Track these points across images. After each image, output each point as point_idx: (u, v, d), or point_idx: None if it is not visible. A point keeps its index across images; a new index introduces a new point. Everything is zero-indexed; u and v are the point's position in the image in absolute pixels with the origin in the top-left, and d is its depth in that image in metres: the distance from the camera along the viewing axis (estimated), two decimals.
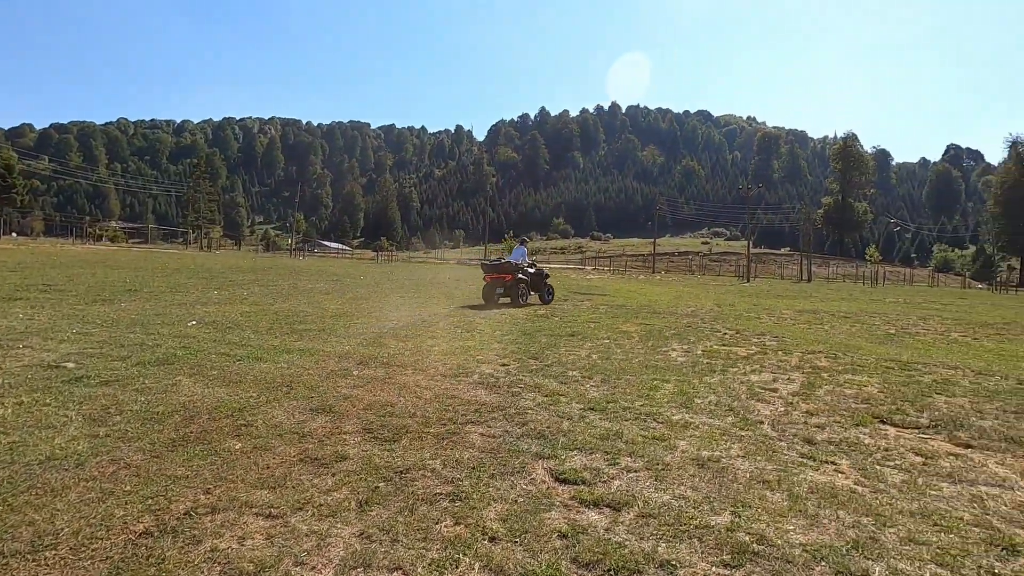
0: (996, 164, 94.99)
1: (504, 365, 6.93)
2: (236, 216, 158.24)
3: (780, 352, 8.43)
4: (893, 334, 11.59)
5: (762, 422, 4.94)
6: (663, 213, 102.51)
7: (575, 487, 3.49)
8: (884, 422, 5.10)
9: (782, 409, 5.34)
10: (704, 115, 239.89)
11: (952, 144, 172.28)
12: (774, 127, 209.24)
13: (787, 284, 42.56)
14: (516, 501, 3.30)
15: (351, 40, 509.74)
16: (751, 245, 53.43)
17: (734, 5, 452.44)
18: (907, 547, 2.87)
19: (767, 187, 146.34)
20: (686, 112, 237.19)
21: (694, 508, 3.23)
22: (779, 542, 2.86)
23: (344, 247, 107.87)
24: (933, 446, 4.46)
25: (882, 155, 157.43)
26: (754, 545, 2.83)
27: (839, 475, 3.83)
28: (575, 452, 4.06)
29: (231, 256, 50.49)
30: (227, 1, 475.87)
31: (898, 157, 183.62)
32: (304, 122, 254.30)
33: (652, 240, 65.11)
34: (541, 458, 3.94)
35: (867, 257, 64.94)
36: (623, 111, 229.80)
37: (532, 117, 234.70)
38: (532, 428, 4.54)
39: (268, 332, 8.91)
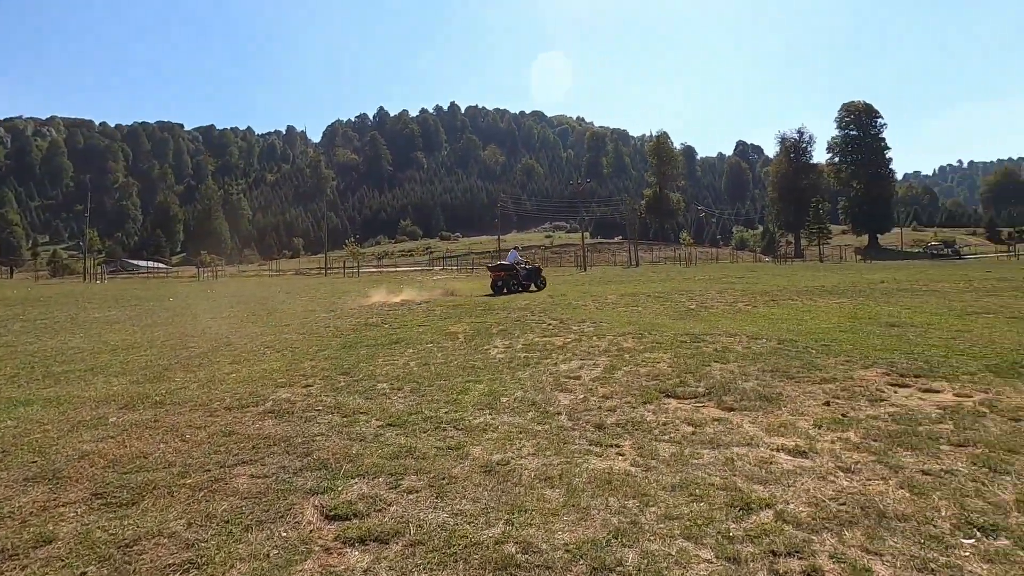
0: (772, 157, 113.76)
1: (307, 386, 6.30)
2: (10, 237, 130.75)
3: (594, 338, 8.88)
4: (693, 309, 12.99)
5: (560, 413, 5.01)
6: (507, 210, 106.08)
7: (344, 523, 3.12)
8: (669, 396, 5.50)
9: (581, 396, 5.51)
10: (539, 116, 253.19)
11: (740, 140, 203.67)
12: (600, 127, 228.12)
13: (618, 270, 46.46)
14: (268, 556, 2.83)
15: (154, 27, 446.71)
16: (588, 236, 57.35)
17: (561, 14, 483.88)
18: (662, 525, 2.97)
19: (599, 182, 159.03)
20: (522, 113, 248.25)
21: (468, 524, 3.05)
22: (544, 547, 2.78)
23: (160, 265, 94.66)
24: (703, 414, 4.87)
25: (689, 151, 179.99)
26: (519, 556, 2.71)
27: (619, 458, 3.96)
28: (357, 480, 3.69)
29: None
30: None
31: (701, 152, 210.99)
32: (98, 123, 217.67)
33: (498, 237, 66.96)
34: (315, 494, 3.50)
35: (681, 241, 73.77)
36: (462, 111, 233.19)
37: (371, 117, 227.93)
38: (315, 459, 4.07)
39: (10, 382, 7.18)
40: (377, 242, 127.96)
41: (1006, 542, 2.69)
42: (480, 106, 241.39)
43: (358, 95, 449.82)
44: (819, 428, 4.39)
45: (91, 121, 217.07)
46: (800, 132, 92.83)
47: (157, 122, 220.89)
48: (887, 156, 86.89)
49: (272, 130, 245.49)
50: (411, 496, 3.43)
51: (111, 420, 5.23)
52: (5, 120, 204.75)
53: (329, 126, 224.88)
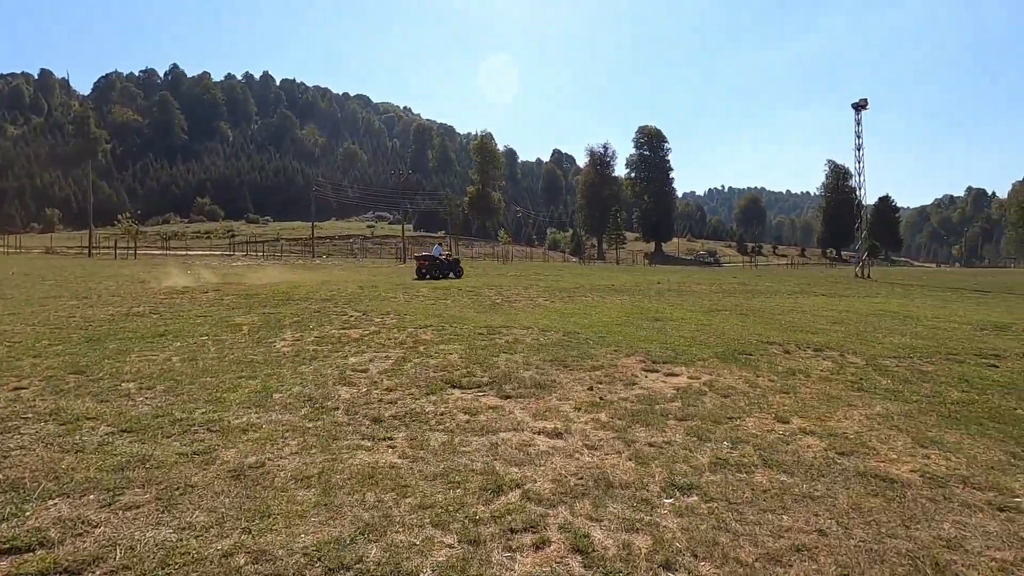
0: (582, 166, 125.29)
1: (17, 389, 5.08)
2: None
3: (394, 330, 8.72)
4: (499, 303, 13.60)
5: (338, 408, 4.78)
6: (325, 196, 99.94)
7: (20, 558, 2.52)
8: (454, 386, 5.60)
9: (364, 390, 5.33)
10: (364, 100, 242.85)
11: (556, 149, 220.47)
12: (428, 119, 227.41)
13: None
14: None
15: None
16: (412, 228, 56.68)
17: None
18: (414, 515, 2.96)
19: (424, 175, 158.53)
20: (345, 95, 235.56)
21: (196, 538, 2.69)
22: (280, 553, 2.57)
23: None
24: (482, 402, 5.05)
25: (511, 153, 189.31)
26: (247, 567, 2.47)
27: (389, 451, 3.89)
28: (57, 501, 3.03)
29: None
30: None
31: (522, 156, 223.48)
32: None
33: (312, 224, 62.62)
34: None
35: (500, 239, 77.30)
36: (278, 84, 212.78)
37: (161, 75, 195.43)
38: (2, 479, 3.25)
39: None
40: (165, 220, 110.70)
41: (695, 498, 3.22)
42: (299, 81, 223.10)
43: (145, 45, 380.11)
44: (578, 411, 4.84)
45: None
46: (605, 147, 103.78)
47: None
48: (671, 176, 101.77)
49: (19, 71, 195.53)
50: (128, 513, 2.92)
51: None
52: None
53: (103, 77, 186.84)
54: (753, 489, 3.36)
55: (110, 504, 3.00)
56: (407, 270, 32.49)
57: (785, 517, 3.04)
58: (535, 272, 32.07)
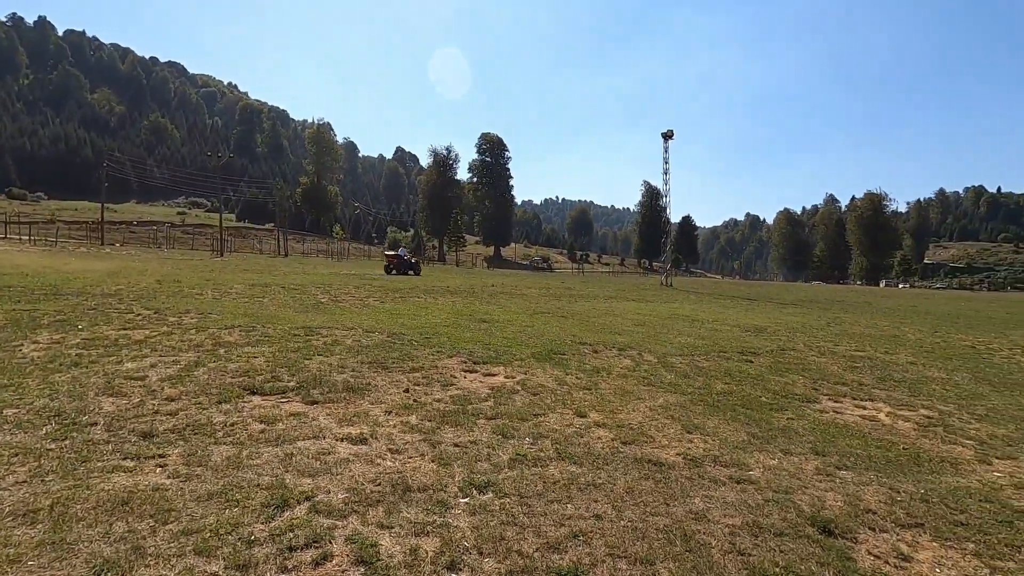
0: (425, 167, 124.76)
1: None
2: None
3: (192, 331, 7.69)
4: (324, 303, 12.82)
5: (96, 424, 4.02)
6: (123, 174, 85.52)
7: None
8: (254, 392, 5.08)
9: (137, 400, 4.58)
10: (178, 68, 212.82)
11: (399, 147, 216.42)
12: (256, 100, 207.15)
13: (263, 259, 42.84)
14: None
15: None
16: (235, 218, 50.95)
17: None
18: (174, 544, 2.58)
19: (251, 160, 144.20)
20: (154, 59, 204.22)
21: None
22: None
23: None
24: (283, 409, 4.65)
25: (351, 146, 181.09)
26: None
27: (157, 471, 3.36)
28: None
29: None
30: None
31: (364, 151, 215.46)
32: None
33: (102, 205, 52.87)
34: None
35: (335, 235, 73.47)
36: (59, 34, 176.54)
37: None
38: None
39: None
40: None
41: (490, 495, 3.31)
42: (91, 35, 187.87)
43: None
44: (389, 414, 4.71)
45: None
46: (448, 149, 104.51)
47: None
48: (511, 184, 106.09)
49: None
50: None
51: None
52: None
53: None
54: (545, 482, 3.55)
55: None
56: (222, 265, 29.25)
57: (569, 506, 3.25)
58: (368, 271, 31.03)
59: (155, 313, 9.11)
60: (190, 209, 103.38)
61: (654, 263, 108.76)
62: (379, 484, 3.34)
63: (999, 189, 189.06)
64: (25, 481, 3.09)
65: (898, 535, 3.22)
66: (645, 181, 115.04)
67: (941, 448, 4.91)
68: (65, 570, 2.33)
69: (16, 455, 3.40)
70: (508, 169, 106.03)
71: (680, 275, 73.24)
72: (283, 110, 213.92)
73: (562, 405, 5.38)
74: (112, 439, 3.79)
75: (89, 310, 8.91)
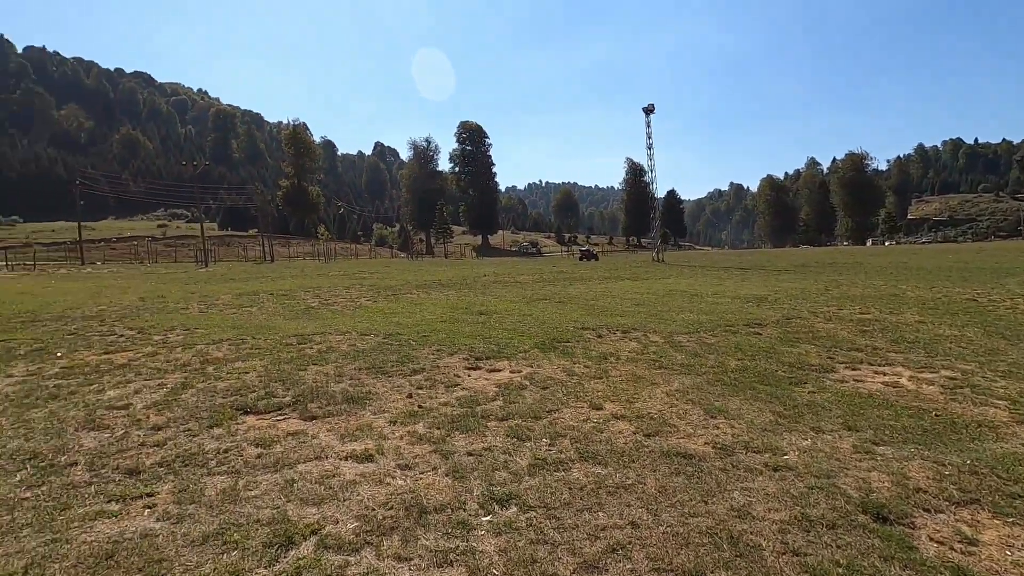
0: (406, 160, 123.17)
1: None
2: None
3: (178, 349, 7.32)
4: (314, 307, 12.43)
5: (76, 464, 3.69)
6: (99, 190, 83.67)
7: None
8: (248, 412, 4.76)
9: (120, 433, 4.24)
10: (145, 79, 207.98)
11: (379, 142, 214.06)
12: (229, 105, 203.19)
13: (248, 266, 42.11)
14: None
15: None
16: (216, 227, 50.02)
17: None
18: None
19: (229, 167, 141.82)
20: (119, 71, 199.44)
21: None
22: None
23: None
24: (280, 428, 4.34)
25: (329, 145, 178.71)
26: None
27: (145, 513, 3.04)
28: None
29: None
30: None
31: (343, 148, 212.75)
32: None
33: (79, 224, 51.64)
34: None
35: (320, 236, 72.50)
36: (19, 52, 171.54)
37: None
38: None
39: None
40: None
41: (514, 510, 3.03)
42: (52, 51, 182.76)
43: None
44: (394, 424, 4.41)
45: None
46: (428, 140, 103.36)
47: None
48: (494, 171, 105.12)
49: None
50: None
51: None
52: None
53: None
54: (571, 488, 3.28)
55: None
56: (207, 276, 28.65)
57: (601, 514, 2.98)
58: (359, 270, 30.55)
59: (138, 333, 8.71)
60: (170, 221, 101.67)
61: (642, 240, 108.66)
62: (391, 508, 3.04)
63: (976, 140, 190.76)
64: None
65: (956, 515, 2.99)
66: (628, 158, 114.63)
67: (974, 411, 4.70)
68: None
69: None
70: (490, 156, 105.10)
71: (669, 250, 73.22)
72: (257, 113, 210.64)
73: (575, 398, 5.11)
74: (95, 479, 3.46)
75: (68, 335, 8.50)
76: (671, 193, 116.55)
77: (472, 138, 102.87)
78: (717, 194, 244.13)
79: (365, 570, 2.50)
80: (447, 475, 3.46)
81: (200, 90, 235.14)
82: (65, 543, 2.74)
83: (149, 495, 3.25)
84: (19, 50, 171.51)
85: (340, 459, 3.73)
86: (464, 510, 3.02)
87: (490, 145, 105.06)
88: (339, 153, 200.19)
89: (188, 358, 6.76)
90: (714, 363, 6.47)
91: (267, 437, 4.13)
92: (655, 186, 43.34)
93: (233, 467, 3.63)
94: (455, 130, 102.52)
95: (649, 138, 39.98)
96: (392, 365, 6.32)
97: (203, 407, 4.83)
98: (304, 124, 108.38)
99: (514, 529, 2.82)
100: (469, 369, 6.26)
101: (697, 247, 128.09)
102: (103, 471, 3.59)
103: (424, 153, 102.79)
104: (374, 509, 3.03)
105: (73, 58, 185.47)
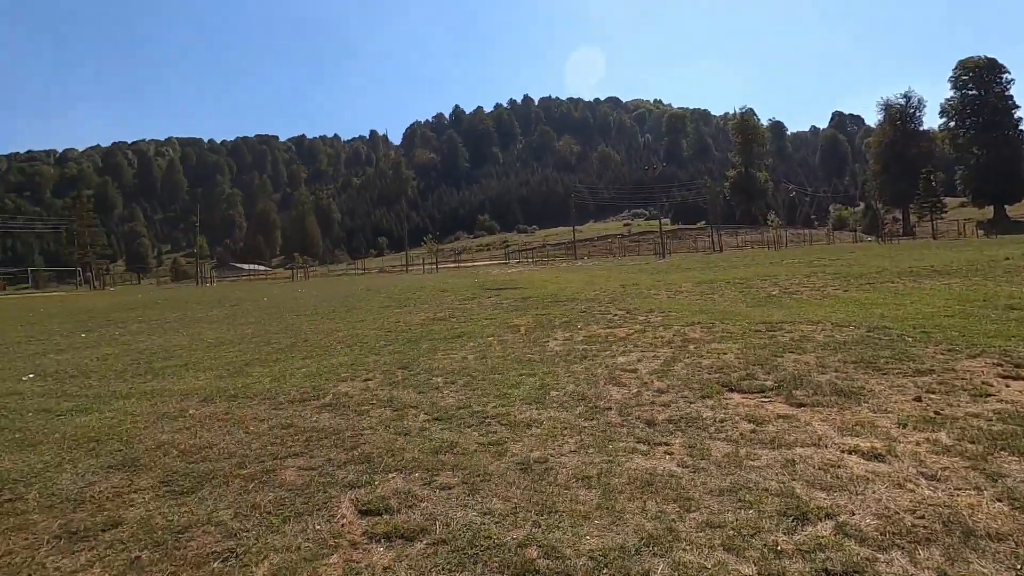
0: (874, 126, 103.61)
1: (367, 380, 6.48)
2: (139, 247, 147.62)
3: (660, 328, 8.47)
4: (775, 296, 12.09)
5: (610, 408, 4.79)
6: (583, 200, 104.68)
7: (375, 519, 3.13)
8: (732, 389, 5.10)
9: (635, 391, 5.24)
10: (614, 102, 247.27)
11: (836, 111, 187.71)
12: (679, 108, 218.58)
13: (699, 256, 44.43)
14: (299, 548, 2.89)
15: (247, 47, 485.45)
16: (669, 222, 55.36)
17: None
18: (701, 534, 2.72)
19: (679, 165, 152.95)
20: (596, 100, 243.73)
21: (496, 524, 2.95)
22: (568, 552, 2.63)
23: (260, 267, 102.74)
24: (768, 410, 4.46)
25: (777, 126, 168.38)
26: (540, 561, 2.58)
27: (667, 458, 3.70)
28: (394, 475, 3.71)
29: (127, 292, 46.65)
30: (96, 13, 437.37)
31: (792, 127, 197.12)
32: (206, 140, 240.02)
33: (573, 228, 66.25)
34: (353, 488, 3.55)
35: (769, 223, 69.06)
36: (536, 103, 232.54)
37: (447, 116, 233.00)
38: (360, 453, 4.14)
39: (118, 376, 7.98)
40: (456, 238, 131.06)
41: None
42: (553, 97, 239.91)
43: (435, 95, 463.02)
44: (904, 428, 3.87)
45: (200, 139, 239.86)
46: (907, 96, 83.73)
47: (256, 136, 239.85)
48: (1015, 116, 76.25)
49: (357, 136, 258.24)
50: (443, 493, 3.39)
51: (190, 412, 5.65)
52: (132, 144, 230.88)
53: (408, 128, 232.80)
54: None
55: (430, 483, 3.54)
56: (665, 266, 31.65)
57: None
58: (818, 257, 27.73)
59: (627, 313, 10.50)
60: (633, 220, 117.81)
61: None
62: (921, 516, 2.70)
63: None
64: (575, 451, 3.91)
65: None
66: None
67: None
68: (620, 535, 2.76)
69: (565, 429, 4.36)
70: (1010, 98, 76.78)
71: None
72: (704, 110, 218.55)
73: None
74: (624, 424, 4.42)
75: (581, 312, 11.03)
76: None
77: (977, 79, 77.33)
78: None
79: (899, 571, 2.32)
80: (998, 500, 2.80)
81: (656, 100, 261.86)
82: (616, 465, 3.62)
83: (666, 444, 3.93)
84: (536, 102, 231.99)
85: (842, 451, 3.55)
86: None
87: (1010, 82, 76.69)
88: (788, 133, 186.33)
89: (670, 336, 7.73)
90: None
91: (757, 415, 4.33)
92: None
93: (730, 436, 3.97)
94: (950, 73, 79.22)
95: None
96: (886, 362, 5.53)
97: (693, 379, 5.45)
98: (751, 109, 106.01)
99: None
100: (1005, 377, 4.85)
101: None
102: (629, 418, 4.54)
103: (901, 113, 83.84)
104: (898, 512, 2.76)
105: (567, 99, 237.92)
